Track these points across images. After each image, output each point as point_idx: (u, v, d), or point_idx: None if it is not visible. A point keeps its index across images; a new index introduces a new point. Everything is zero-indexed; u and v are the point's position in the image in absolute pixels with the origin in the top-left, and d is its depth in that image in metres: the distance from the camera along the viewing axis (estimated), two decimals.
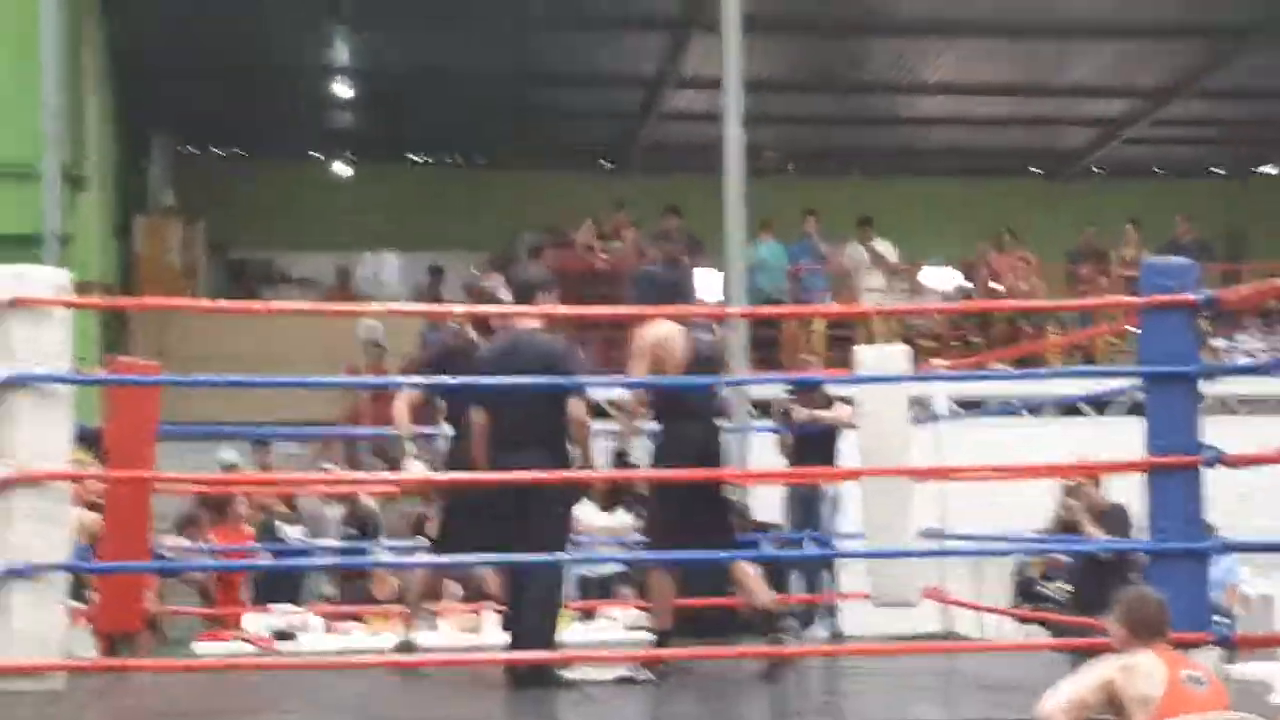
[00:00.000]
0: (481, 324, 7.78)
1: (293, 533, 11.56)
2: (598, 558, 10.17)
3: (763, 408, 13.24)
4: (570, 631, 9.32)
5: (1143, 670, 4.97)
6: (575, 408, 6.98)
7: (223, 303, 10.80)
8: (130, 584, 7.78)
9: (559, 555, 7.02)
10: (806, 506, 9.60)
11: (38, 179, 13.46)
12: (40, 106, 13.46)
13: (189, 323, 15.15)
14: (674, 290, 7.39)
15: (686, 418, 7.12)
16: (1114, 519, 9.06)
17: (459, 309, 9.19)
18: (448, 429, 7.73)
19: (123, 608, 7.81)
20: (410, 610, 8.00)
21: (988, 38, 18.00)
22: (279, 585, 10.68)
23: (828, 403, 9.66)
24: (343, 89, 19.61)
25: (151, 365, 8.58)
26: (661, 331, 7.09)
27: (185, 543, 10.53)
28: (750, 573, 7.20)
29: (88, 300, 9.11)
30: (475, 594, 10.04)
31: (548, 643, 6.92)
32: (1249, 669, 6.58)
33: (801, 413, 9.57)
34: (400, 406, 7.79)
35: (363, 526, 11.57)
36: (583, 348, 14.96)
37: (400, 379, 7.49)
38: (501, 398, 6.99)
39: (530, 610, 6.94)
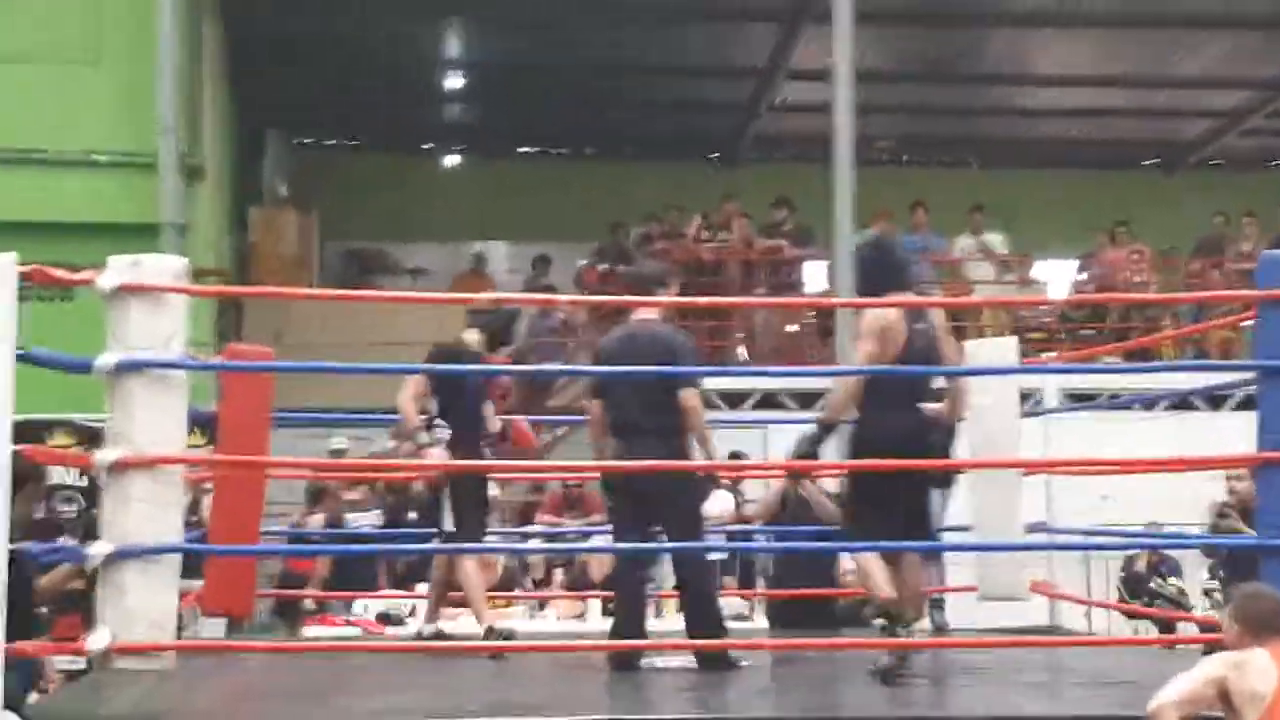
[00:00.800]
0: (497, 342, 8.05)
1: (365, 520, 11.63)
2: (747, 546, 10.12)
3: None
4: (672, 620, 9.35)
5: (1255, 667, 4.90)
6: (689, 398, 7.04)
7: (334, 291, 10.93)
8: (240, 568, 7.89)
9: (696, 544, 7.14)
10: None
11: (155, 169, 13.70)
12: (158, 98, 13.69)
13: (303, 311, 15.33)
14: (899, 269, 7.13)
15: (889, 407, 6.84)
16: None
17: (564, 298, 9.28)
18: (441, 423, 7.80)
19: (231, 591, 7.92)
20: (476, 610, 8.06)
21: (1102, 28, 17.78)
22: (356, 575, 10.77)
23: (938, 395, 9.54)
24: (454, 81, 19.76)
25: (265, 351, 8.69)
26: (889, 316, 6.86)
27: (322, 519, 10.68)
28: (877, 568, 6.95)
29: (202, 288, 9.25)
30: (579, 582, 10.11)
31: (720, 627, 7.09)
32: None
33: None
34: (404, 398, 7.79)
35: (422, 511, 11.56)
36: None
37: (505, 367, 7.75)
38: (617, 387, 7.11)
39: (695, 601, 7.13)
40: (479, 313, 8.24)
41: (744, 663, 7.01)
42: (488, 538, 8.35)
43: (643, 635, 7.15)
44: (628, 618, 7.15)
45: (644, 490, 6.98)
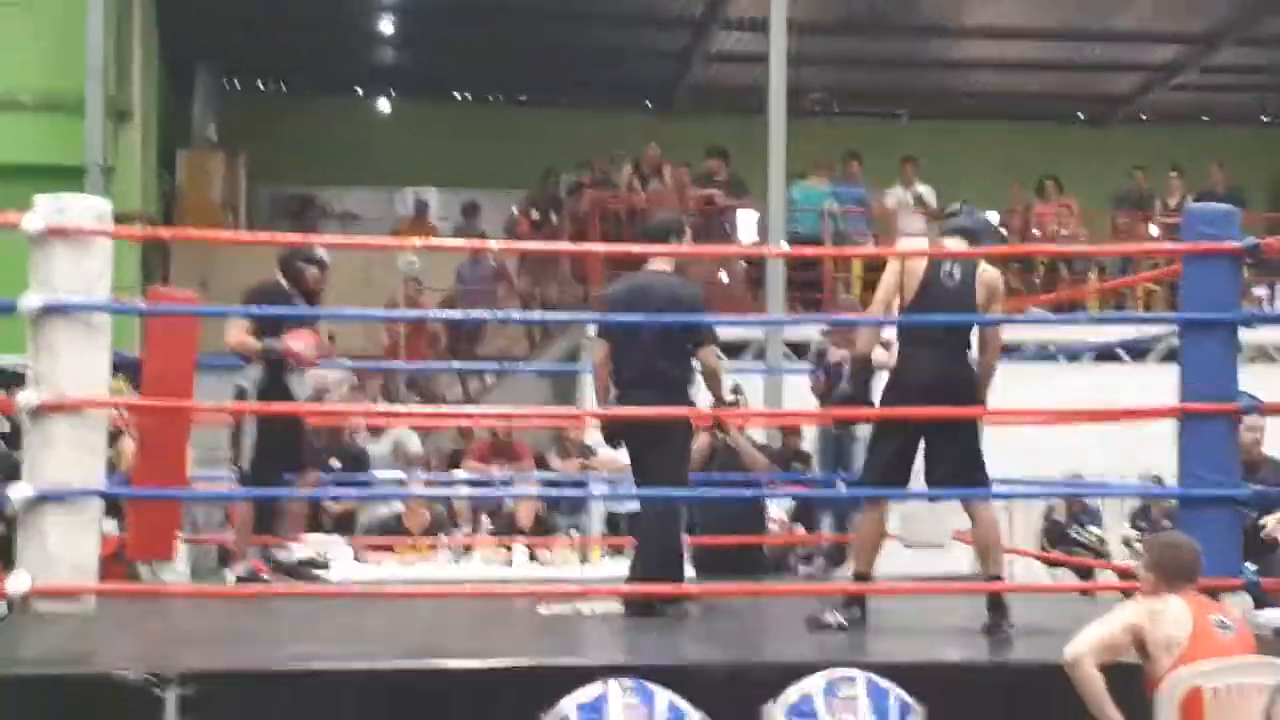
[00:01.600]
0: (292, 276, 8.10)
1: None
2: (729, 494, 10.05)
3: (799, 349, 13.26)
4: (599, 566, 9.39)
5: (1169, 615, 4.98)
6: (707, 356, 7.11)
7: (261, 235, 10.83)
8: (164, 513, 7.85)
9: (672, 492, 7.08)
10: (839, 447, 9.57)
11: (81, 111, 13.54)
12: (86, 39, 13.53)
13: (230, 256, 15.22)
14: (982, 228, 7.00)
15: (919, 344, 6.69)
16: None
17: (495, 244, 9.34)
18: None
19: (155, 537, 7.89)
20: (239, 543, 8.14)
21: None
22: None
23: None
24: (386, 24, 19.61)
25: (190, 296, 8.64)
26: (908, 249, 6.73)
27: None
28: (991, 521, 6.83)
29: (127, 230, 9.16)
30: (506, 527, 10.12)
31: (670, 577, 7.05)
32: (1277, 615, 6.57)
33: (836, 353, 9.51)
34: (238, 336, 7.91)
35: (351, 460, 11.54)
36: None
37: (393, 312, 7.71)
38: (624, 336, 7.08)
39: (646, 548, 7.13)
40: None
41: (688, 611, 7.03)
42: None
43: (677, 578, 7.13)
44: (660, 563, 7.09)
45: (635, 439, 7.07)
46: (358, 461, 11.46)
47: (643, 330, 6.99)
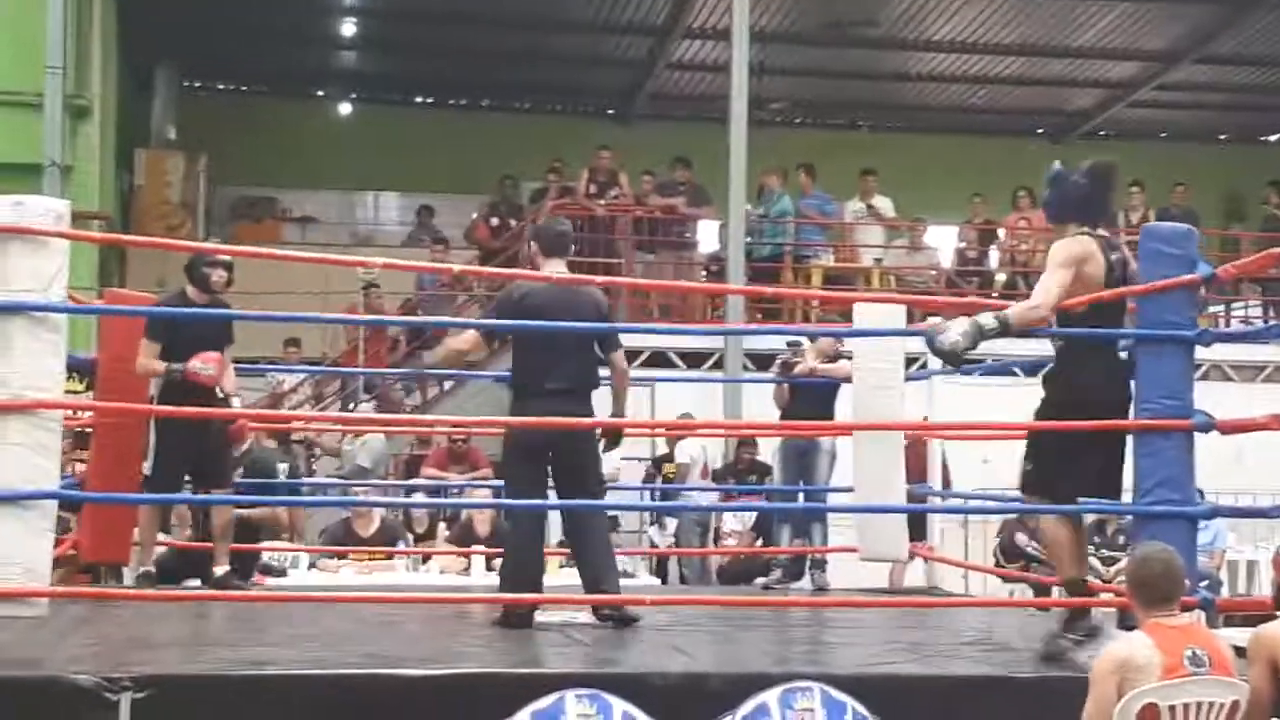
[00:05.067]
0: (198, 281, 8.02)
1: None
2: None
3: (759, 360, 13.26)
4: (556, 576, 9.36)
5: (1136, 664, 4.77)
6: (620, 359, 7.18)
7: (218, 245, 10.83)
8: (119, 516, 7.81)
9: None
10: (802, 459, 9.53)
11: (40, 108, 13.46)
12: (44, 35, 13.44)
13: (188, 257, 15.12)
14: (1090, 202, 6.40)
15: (1098, 351, 6.34)
16: None
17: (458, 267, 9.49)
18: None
19: (110, 539, 7.85)
20: (143, 544, 8.05)
21: None
22: None
23: (832, 357, 9.50)
24: (348, 28, 19.57)
25: (146, 297, 8.62)
26: (1085, 248, 6.26)
27: None
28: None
29: (85, 233, 9.09)
30: (464, 536, 10.09)
31: (614, 583, 7.10)
32: (1231, 634, 6.58)
33: (802, 366, 9.49)
34: (146, 357, 7.75)
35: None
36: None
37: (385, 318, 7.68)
38: (546, 343, 6.99)
39: (589, 556, 7.10)
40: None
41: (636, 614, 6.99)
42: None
43: (538, 591, 7.09)
44: (525, 574, 7.04)
45: (567, 451, 6.99)
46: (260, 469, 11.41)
47: (569, 337, 6.96)
